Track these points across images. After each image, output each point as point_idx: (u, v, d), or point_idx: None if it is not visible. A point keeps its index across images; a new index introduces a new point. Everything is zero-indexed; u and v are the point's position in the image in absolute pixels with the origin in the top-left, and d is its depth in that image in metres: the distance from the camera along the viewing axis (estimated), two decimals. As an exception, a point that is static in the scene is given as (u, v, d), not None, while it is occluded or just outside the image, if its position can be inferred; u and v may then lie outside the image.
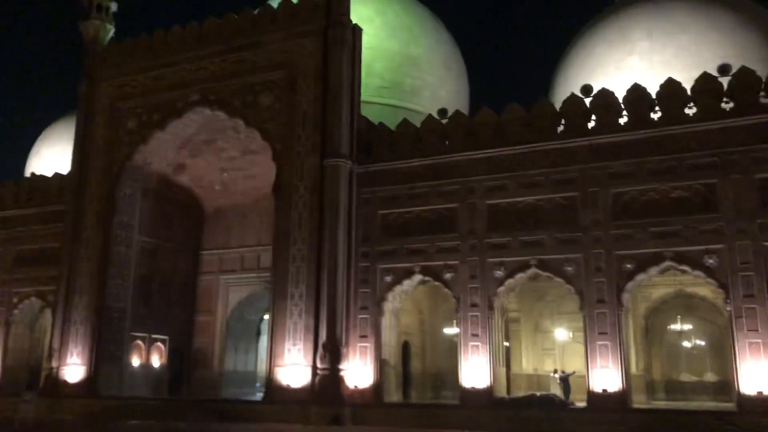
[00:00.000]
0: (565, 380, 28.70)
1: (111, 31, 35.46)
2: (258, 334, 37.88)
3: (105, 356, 30.83)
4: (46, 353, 32.47)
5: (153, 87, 32.26)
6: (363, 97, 29.67)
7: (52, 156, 49.20)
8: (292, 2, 30.24)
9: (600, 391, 23.17)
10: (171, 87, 31.74)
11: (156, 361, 33.79)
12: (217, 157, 34.33)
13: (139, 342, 32.85)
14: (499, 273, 25.24)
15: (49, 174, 37.48)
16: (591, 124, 25.32)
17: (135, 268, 32.90)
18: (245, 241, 35.82)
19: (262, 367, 34.79)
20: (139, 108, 32.43)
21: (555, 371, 30.99)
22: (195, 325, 36.18)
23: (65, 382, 30.61)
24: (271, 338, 27.17)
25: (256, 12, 30.92)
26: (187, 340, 35.77)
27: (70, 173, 34.08)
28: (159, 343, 34.02)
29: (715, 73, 24.16)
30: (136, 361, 32.56)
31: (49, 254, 34.04)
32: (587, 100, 25.88)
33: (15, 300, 34.80)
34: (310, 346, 26.21)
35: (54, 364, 30.99)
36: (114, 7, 35.87)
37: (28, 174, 46.69)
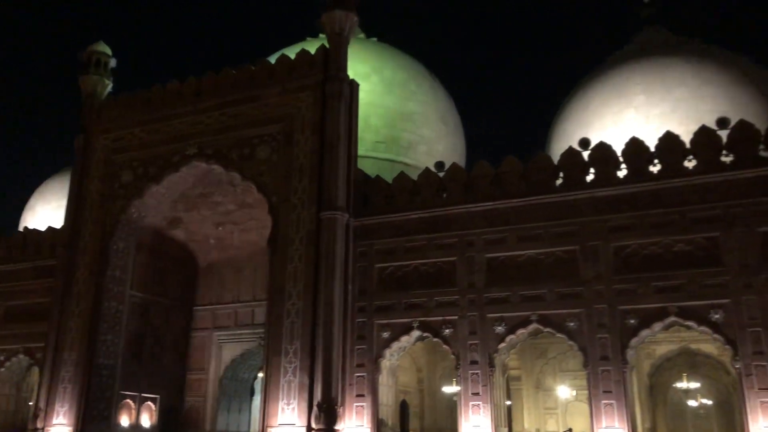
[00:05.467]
0: None
1: (109, 86, 35.61)
2: (252, 392, 36.84)
3: (92, 416, 29.72)
4: (32, 413, 31.36)
5: (149, 141, 32.16)
6: (360, 152, 29.57)
7: (46, 212, 48.91)
8: (289, 58, 30.46)
9: (606, 452, 22.25)
10: (168, 140, 31.64)
11: (146, 421, 32.66)
12: (213, 210, 34.00)
13: (129, 401, 31.80)
14: (499, 329, 24.55)
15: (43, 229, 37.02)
16: (590, 177, 25.10)
17: (127, 324, 32.11)
18: (240, 296, 35.19)
19: (255, 427, 33.68)
20: (135, 161, 32.25)
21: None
22: (187, 384, 35.17)
23: (50, 444, 29.47)
24: (265, 397, 26.25)
25: (253, 67, 31.07)
26: (178, 399, 34.69)
27: (63, 227, 33.66)
28: (149, 402, 32.95)
29: (713, 126, 24.03)
30: (125, 421, 31.44)
31: (40, 310, 33.17)
32: (585, 153, 25.68)
33: (1, 358, 33.82)
34: (305, 405, 25.30)
35: (39, 425, 29.81)
36: (113, 63, 36.14)
37: (21, 229, 46.22)
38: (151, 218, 33.22)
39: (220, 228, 34.99)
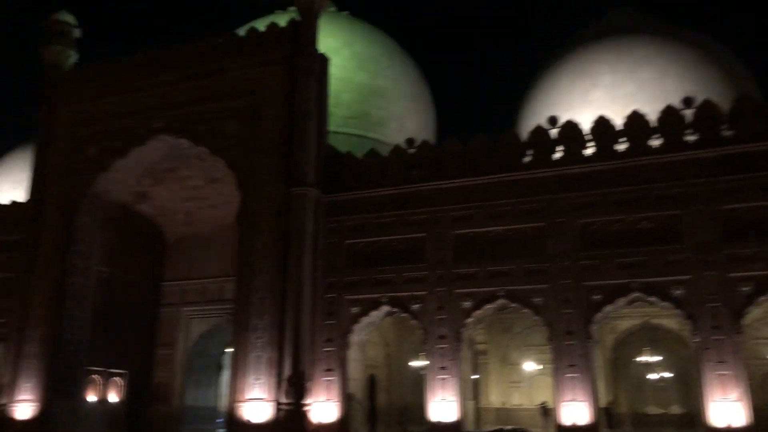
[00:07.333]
0: (546, 411, 28.61)
1: (73, 57, 34.77)
2: (220, 368, 36.86)
3: (58, 392, 29.47)
4: (-4, 389, 30.99)
5: (115, 113, 31.55)
6: (330, 127, 29.46)
7: (9, 185, 47.85)
8: (258, 31, 30.07)
9: (569, 424, 22.81)
10: (134, 114, 31.07)
11: (113, 397, 32.50)
12: (181, 185, 33.60)
13: (95, 377, 31.56)
14: (466, 304, 24.90)
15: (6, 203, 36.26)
16: (557, 156, 25.38)
17: (93, 300, 31.77)
18: (208, 271, 34.92)
19: (224, 402, 33.74)
20: (100, 134, 31.66)
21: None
22: (155, 359, 35.02)
23: (13, 420, 29.15)
24: (233, 372, 26.33)
25: (221, 40, 30.60)
26: (146, 375, 34.52)
27: (27, 201, 33.02)
28: (117, 378, 32.75)
29: (678, 105, 24.41)
30: (92, 397, 31.26)
31: (4, 285, 32.71)
32: (553, 132, 25.96)
33: (-35, 333, 33.20)
34: (274, 380, 25.42)
35: (3, 401, 29.57)
36: (77, 33, 35.25)
37: (-17, 203, 45.16)
38: (117, 193, 32.74)
39: (188, 203, 34.62)
